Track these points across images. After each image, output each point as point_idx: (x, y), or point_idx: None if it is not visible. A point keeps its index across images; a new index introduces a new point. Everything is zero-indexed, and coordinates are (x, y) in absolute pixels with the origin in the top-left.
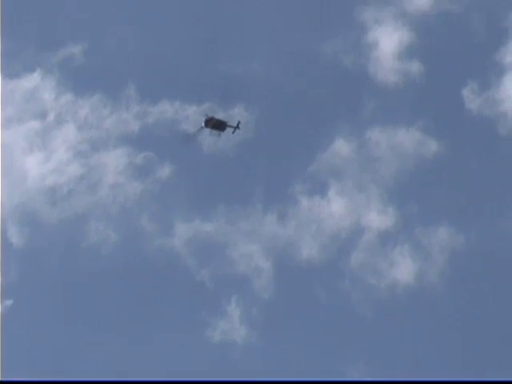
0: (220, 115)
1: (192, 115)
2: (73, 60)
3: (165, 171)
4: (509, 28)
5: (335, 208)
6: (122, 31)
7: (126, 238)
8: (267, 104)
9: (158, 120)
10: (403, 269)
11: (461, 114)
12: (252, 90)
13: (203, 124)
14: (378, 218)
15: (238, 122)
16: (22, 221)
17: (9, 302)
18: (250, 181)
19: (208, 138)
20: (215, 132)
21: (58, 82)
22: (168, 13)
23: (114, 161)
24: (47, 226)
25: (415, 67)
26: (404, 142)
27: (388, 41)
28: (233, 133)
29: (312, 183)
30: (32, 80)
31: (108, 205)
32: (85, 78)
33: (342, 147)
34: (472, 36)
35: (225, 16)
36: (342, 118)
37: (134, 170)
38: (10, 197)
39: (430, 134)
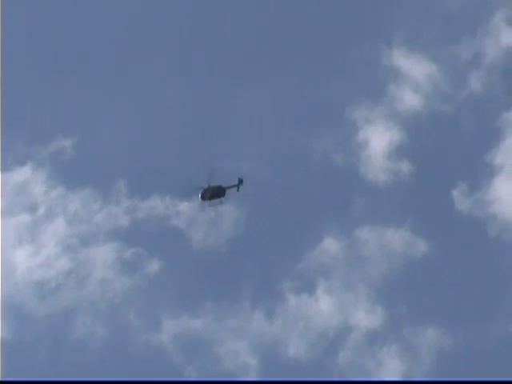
0: (210, 209)
1: (182, 211)
2: (63, 154)
3: (153, 267)
4: (500, 129)
5: (323, 306)
6: (112, 125)
7: (114, 332)
8: (257, 202)
9: (147, 215)
10: (390, 368)
11: (450, 215)
12: (243, 187)
13: (200, 199)
14: (366, 318)
15: (240, 180)
16: (10, 314)
17: None
18: (239, 278)
19: (198, 234)
20: (215, 202)
21: (48, 176)
22: (159, 109)
23: (103, 255)
24: (35, 319)
25: (405, 167)
26: (393, 241)
27: (379, 140)
28: (238, 191)
29: (300, 281)
30: (23, 173)
31: (96, 300)
32: (75, 172)
33: (330, 246)
34: (463, 137)
35: (215, 113)
36: (331, 216)
37: (122, 265)
38: None
39: (420, 234)
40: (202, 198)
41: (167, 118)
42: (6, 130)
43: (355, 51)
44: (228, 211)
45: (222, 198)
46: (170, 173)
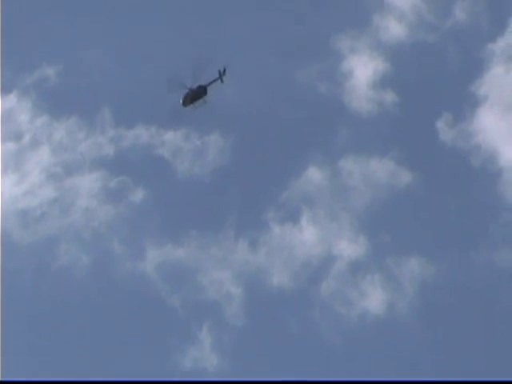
0: (196, 138)
1: (168, 140)
2: (48, 82)
3: (138, 196)
4: (484, 59)
5: (307, 236)
6: (98, 53)
7: (97, 261)
8: (242, 131)
9: (133, 144)
10: (373, 299)
11: (434, 146)
12: (227, 116)
13: (182, 105)
14: (349, 247)
15: (220, 71)
16: None
17: None
18: (223, 207)
19: (183, 163)
20: (198, 103)
21: (33, 104)
22: (145, 36)
23: (88, 184)
24: (19, 247)
25: (389, 97)
26: (377, 171)
27: (363, 70)
28: (222, 82)
29: (284, 211)
30: (8, 101)
31: (80, 228)
32: (60, 100)
33: (314, 175)
34: (447, 67)
35: (201, 41)
36: (315, 146)
37: (107, 194)
38: None
39: (404, 164)
40: (184, 103)
41: (154, 44)
42: None
43: None
44: (213, 141)
45: (205, 97)
46: (156, 102)
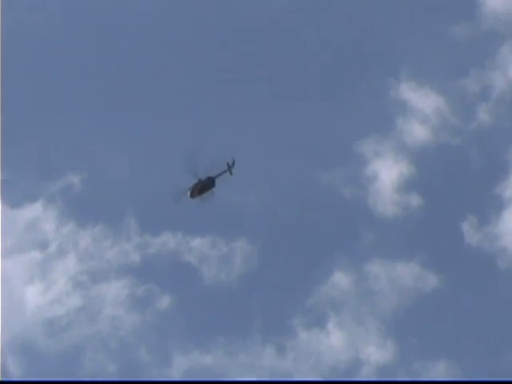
0: (222, 245)
1: (195, 247)
2: (72, 190)
3: (164, 302)
4: (509, 161)
5: (334, 341)
6: (121, 160)
7: (124, 369)
8: (268, 236)
9: (159, 251)
10: None
11: (460, 249)
12: (252, 221)
13: (190, 196)
14: (376, 352)
15: (229, 164)
16: (20, 351)
17: None
18: (250, 313)
19: (209, 270)
20: (206, 195)
21: (59, 213)
22: (168, 143)
23: (114, 292)
24: (45, 356)
25: (414, 200)
26: (403, 275)
27: (387, 173)
28: (231, 174)
29: (311, 316)
30: (34, 210)
31: (106, 336)
32: (86, 208)
33: (340, 280)
34: (471, 169)
35: (223, 145)
36: (341, 250)
37: (133, 301)
38: (8, 327)
39: (430, 267)
40: (192, 195)
41: (177, 151)
42: (15, 165)
43: (363, 85)
44: (239, 247)
45: (213, 189)
46: (182, 208)
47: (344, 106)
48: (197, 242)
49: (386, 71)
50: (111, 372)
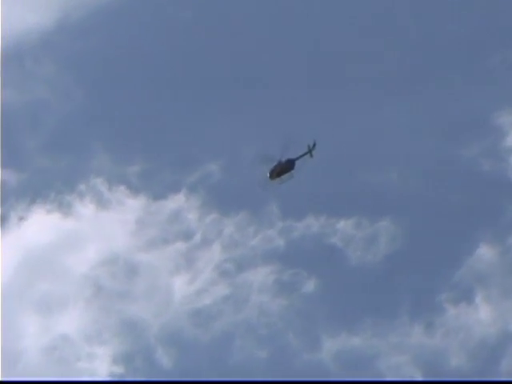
0: (367, 226)
1: (340, 229)
2: (212, 178)
3: (310, 286)
4: None
5: (482, 315)
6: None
7: (274, 355)
8: (411, 214)
9: (303, 235)
10: None
11: None
12: (395, 201)
13: (269, 178)
14: None
15: (310, 147)
16: (169, 342)
17: None
18: (396, 293)
19: (355, 252)
20: (285, 177)
21: (202, 202)
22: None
23: (260, 279)
24: (194, 346)
25: None
26: None
27: None
28: (311, 156)
29: (458, 291)
30: (177, 200)
31: (254, 323)
32: (227, 196)
33: (486, 253)
34: None
35: (362, 127)
36: (484, 224)
37: (279, 287)
38: (156, 318)
39: None
40: (271, 177)
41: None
42: (156, 157)
43: (498, 56)
44: (384, 227)
45: (292, 172)
46: (323, 191)
47: (479, 80)
48: (341, 224)
49: None
50: (261, 358)
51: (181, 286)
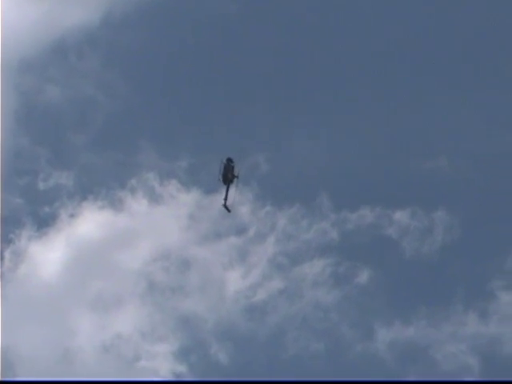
0: (422, 217)
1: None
2: (260, 170)
3: (365, 277)
4: None
5: None
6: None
7: (328, 346)
8: (465, 205)
9: (358, 227)
10: None
11: None
12: (451, 191)
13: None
14: None
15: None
16: (225, 337)
17: None
18: (451, 282)
19: (410, 243)
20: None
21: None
22: (356, 124)
23: (314, 271)
24: (249, 341)
25: None
26: None
27: None
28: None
29: (510, 278)
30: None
31: (309, 316)
32: (279, 189)
33: None
34: None
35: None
36: None
37: (334, 279)
38: (211, 313)
39: None
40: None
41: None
42: (202, 151)
43: None
44: (439, 218)
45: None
46: (374, 184)
47: None
48: (397, 215)
49: None
50: (317, 350)
51: (235, 280)
